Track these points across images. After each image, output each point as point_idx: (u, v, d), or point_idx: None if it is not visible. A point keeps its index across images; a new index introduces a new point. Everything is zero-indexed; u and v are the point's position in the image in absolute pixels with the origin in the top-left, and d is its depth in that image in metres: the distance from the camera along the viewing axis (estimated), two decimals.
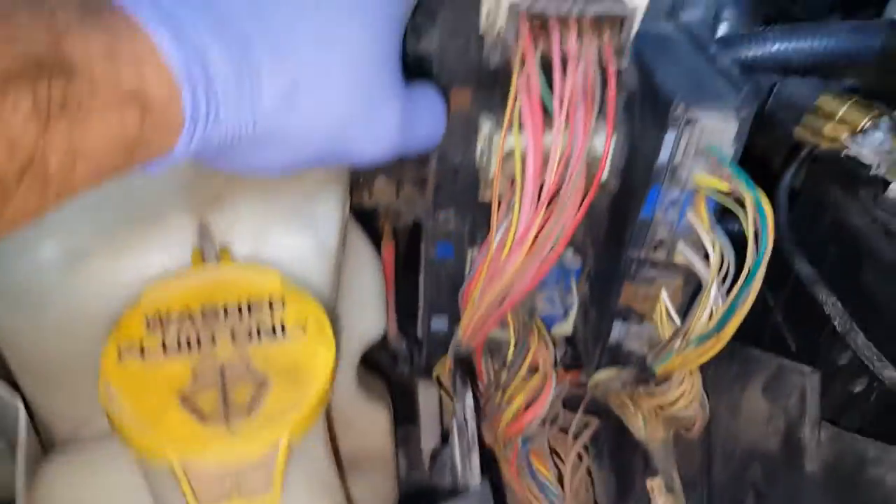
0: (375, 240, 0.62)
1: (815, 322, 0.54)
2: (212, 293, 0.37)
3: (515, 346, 0.51)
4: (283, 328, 0.36)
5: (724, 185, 0.41)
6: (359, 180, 0.56)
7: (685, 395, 0.47)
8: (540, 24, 0.44)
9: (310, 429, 0.34)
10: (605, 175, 0.49)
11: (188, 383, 0.33)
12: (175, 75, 0.26)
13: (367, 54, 0.33)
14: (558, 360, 0.58)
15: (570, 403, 0.59)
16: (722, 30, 0.72)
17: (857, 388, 0.49)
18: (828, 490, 0.48)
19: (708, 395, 0.56)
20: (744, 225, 0.40)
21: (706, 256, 0.44)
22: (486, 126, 0.49)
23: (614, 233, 0.49)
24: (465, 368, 0.52)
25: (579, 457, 0.58)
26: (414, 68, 0.49)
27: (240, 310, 0.36)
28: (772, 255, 0.63)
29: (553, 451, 0.57)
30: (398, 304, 0.66)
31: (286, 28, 0.30)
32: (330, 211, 0.43)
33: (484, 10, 0.45)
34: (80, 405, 0.43)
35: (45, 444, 0.46)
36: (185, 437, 0.31)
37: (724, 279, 0.42)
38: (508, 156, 0.46)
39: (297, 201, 0.42)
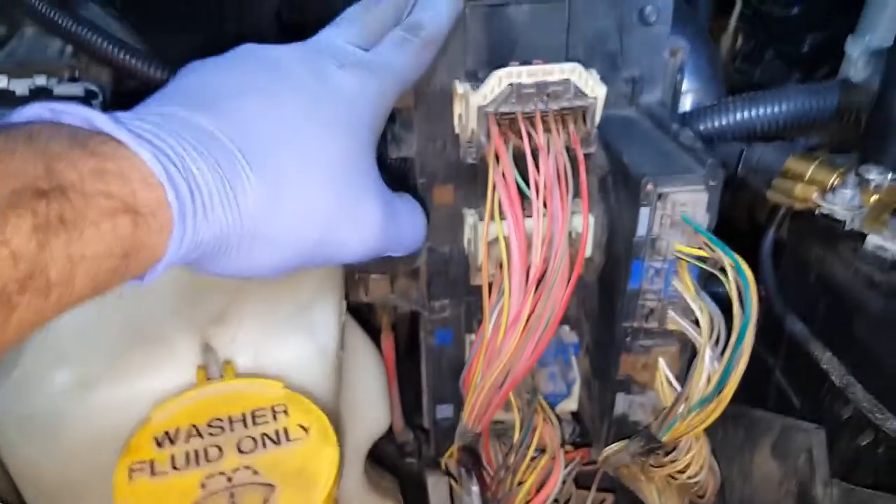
0: (374, 333, 0.64)
1: (814, 378, 0.54)
2: (217, 408, 0.38)
3: (521, 427, 0.51)
4: (286, 434, 0.37)
5: (703, 253, 0.43)
6: (354, 277, 0.58)
7: (694, 462, 0.47)
8: (510, 122, 0.47)
9: None
10: (589, 251, 0.51)
11: (198, 496, 0.34)
12: (159, 183, 0.29)
13: (345, 160, 0.36)
14: (566, 438, 0.58)
15: (582, 482, 0.59)
16: (688, 102, 0.75)
17: (864, 442, 0.49)
18: None
19: (719, 462, 0.56)
20: (727, 289, 0.41)
21: (697, 322, 0.45)
22: (470, 217, 0.52)
23: (606, 306, 0.51)
24: (470, 455, 0.52)
25: None
26: (397, 172, 0.53)
27: (244, 421, 0.37)
28: (765, 316, 0.65)
29: None
30: (403, 396, 0.67)
31: (266, 139, 0.33)
32: (327, 316, 0.45)
33: (456, 114, 0.48)
34: None
35: None
36: None
37: (717, 341, 0.43)
38: (494, 242, 0.48)
39: (295, 310, 0.44)
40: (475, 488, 0.50)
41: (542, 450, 0.52)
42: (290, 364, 0.42)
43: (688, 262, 0.44)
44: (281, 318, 0.44)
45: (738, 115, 0.62)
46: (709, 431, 0.55)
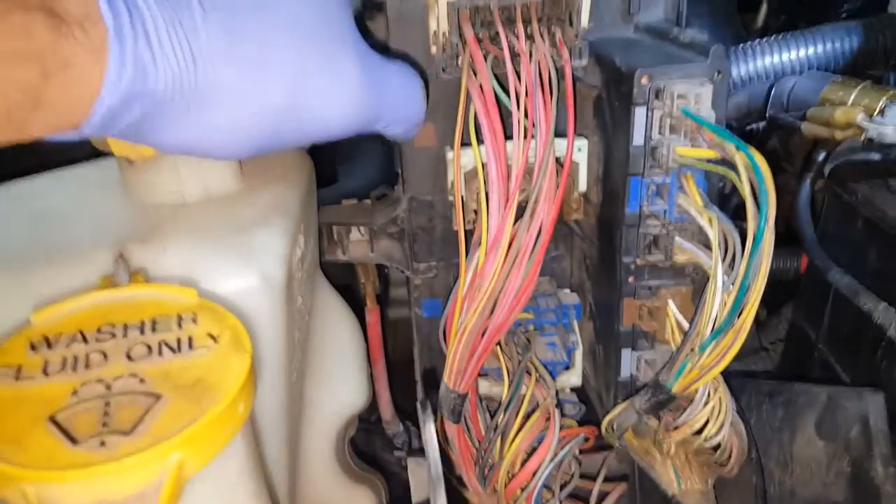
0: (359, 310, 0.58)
1: (866, 340, 0.45)
2: (113, 314, 0.32)
3: (510, 384, 0.43)
4: (189, 343, 0.30)
5: (709, 153, 0.36)
6: (332, 233, 0.53)
7: (713, 416, 0.38)
8: (490, 37, 0.42)
9: (215, 451, 0.27)
10: (583, 185, 0.45)
11: (64, 404, 0.28)
12: None
13: (311, 7, 0.32)
14: (572, 416, 0.50)
15: (590, 476, 0.50)
16: None
17: None
18: None
19: (757, 449, 0.46)
20: (739, 188, 0.34)
21: (710, 247, 0.37)
22: (451, 154, 0.46)
23: (606, 250, 0.43)
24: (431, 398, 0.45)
25: None
26: None
27: (142, 328, 0.31)
28: (804, 279, 0.55)
29: None
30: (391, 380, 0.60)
31: None
32: (272, 241, 0.39)
33: (430, 32, 0.43)
34: None
35: None
36: (46, 460, 0.25)
37: (732, 265, 0.36)
38: (473, 175, 0.42)
39: (232, 232, 0.39)
40: (431, 425, 0.42)
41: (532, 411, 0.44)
42: (225, 290, 0.36)
43: (693, 165, 0.37)
44: (214, 239, 0.38)
45: (767, 59, 0.55)
46: (742, 412, 0.46)
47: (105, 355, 0.30)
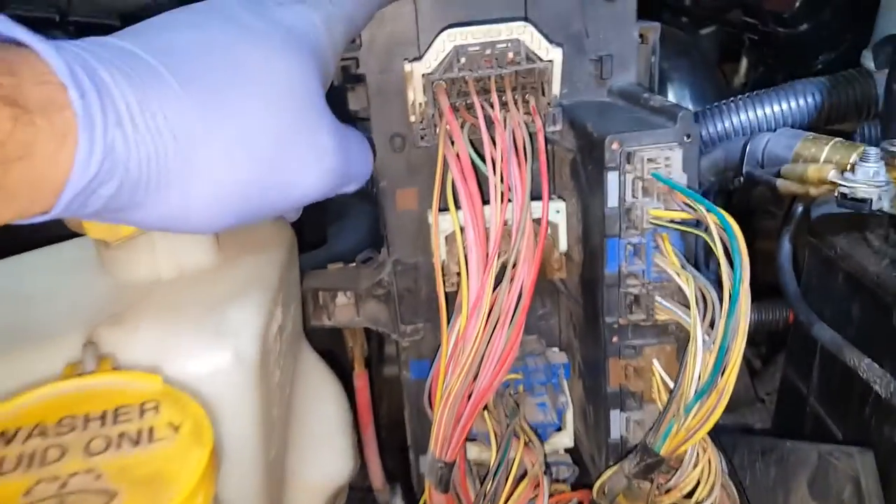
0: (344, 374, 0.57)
1: (854, 395, 0.45)
2: (75, 405, 0.32)
3: (498, 449, 0.43)
4: (150, 434, 0.31)
5: (682, 214, 0.37)
6: (317, 299, 0.53)
7: (703, 478, 0.37)
8: (466, 107, 0.43)
9: None
10: (564, 245, 0.45)
11: None
12: (58, 82, 0.25)
13: (287, 85, 0.32)
14: (565, 480, 0.49)
15: None
16: None
17: None
18: None
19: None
20: (713, 248, 0.34)
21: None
22: (432, 218, 0.47)
23: (589, 304, 0.44)
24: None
25: None
26: None
27: (103, 419, 0.31)
28: (792, 332, 0.55)
29: None
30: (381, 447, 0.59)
31: (193, 58, 0.30)
32: (247, 318, 0.38)
33: (409, 102, 0.44)
34: None
35: None
36: None
37: (712, 324, 0.36)
38: (454, 239, 0.43)
39: (205, 310, 0.38)
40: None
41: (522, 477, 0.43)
42: (197, 369, 0.36)
43: (668, 227, 0.37)
44: (186, 317, 0.38)
45: (742, 116, 0.56)
46: (734, 474, 0.46)
47: (63, 450, 0.30)
